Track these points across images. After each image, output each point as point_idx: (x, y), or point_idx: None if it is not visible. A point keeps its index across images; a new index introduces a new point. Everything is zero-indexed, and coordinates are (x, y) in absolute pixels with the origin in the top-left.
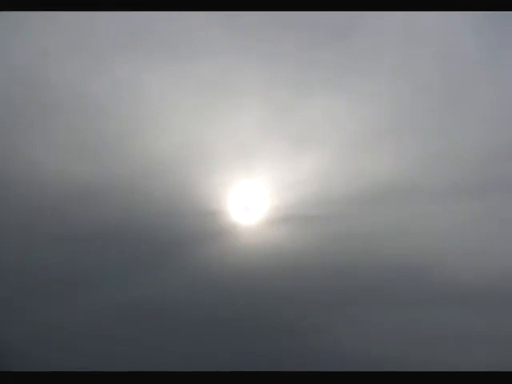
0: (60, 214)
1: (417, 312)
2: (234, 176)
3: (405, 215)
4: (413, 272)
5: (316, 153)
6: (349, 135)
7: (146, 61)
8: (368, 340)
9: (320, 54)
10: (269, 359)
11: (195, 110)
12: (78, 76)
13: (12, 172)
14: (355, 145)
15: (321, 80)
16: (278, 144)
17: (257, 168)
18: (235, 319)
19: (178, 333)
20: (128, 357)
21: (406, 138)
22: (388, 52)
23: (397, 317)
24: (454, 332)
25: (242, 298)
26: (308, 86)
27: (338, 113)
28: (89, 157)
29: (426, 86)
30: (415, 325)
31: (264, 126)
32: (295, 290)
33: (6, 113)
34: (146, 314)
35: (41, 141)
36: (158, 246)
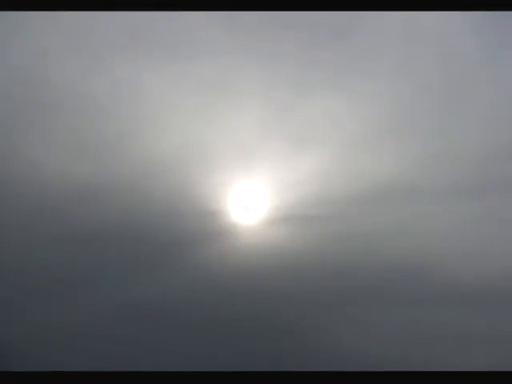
0: (60, 214)
1: (417, 312)
2: (234, 176)
3: (405, 215)
4: (413, 272)
5: (316, 153)
6: (349, 135)
7: (145, 61)
8: (368, 340)
9: (320, 53)
10: (269, 359)
11: (195, 110)
12: (78, 76)
13: (12, 172)
14: (355, 145)
15: (321, 80)
16: (278, 144)
17: (257, 168)
18: (235, 319)
19: (178, 333)
20: (128, 357)
21: (406, 138)
22: (388, 52)
23: (397, 317)
24: (454, 332)
25: (241, 298)
26: (308, 85)
27: (337, 113)
28: (89, 157)
29: (426, 86)
30: (415, 325)
31: (264, 126)
32: (295, 290)
33: (6, 113)
34: (146, 313)
35: (41, 141)
36: (158, 246)
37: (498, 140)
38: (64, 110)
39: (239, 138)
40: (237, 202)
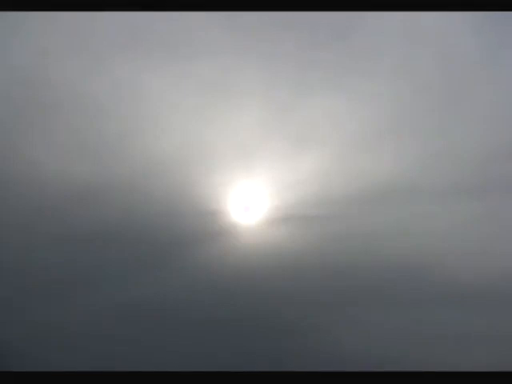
0: (60, 214)
1: (417, 312)
2: (234, 176)
3: (405, 215)
4: (413, 272)
5: (316, 153)
6: (349, 135)
7: (146, 61)
8: (368, 340)
9: (320, 53)
10: (269, 359)
11: (195, 110)
12: (78, 76)
13: (12, 172)
14: (355, 145)
15: (321, 80)
16: (278, 144)
17: (257, 168)
18: (235, 319)
19: (178, 333)
20: (128, 357)
21: (406, 138)
22: (388, 52)
23: (397, 317)
24: (454, 332)
25: (241, 298)
26: (308, 85)
27: (337, 113)
28: (89, 157)
29: (426, 86)
30: (415, 325)
31: (264, 126)
32: (295, 290)
33: (6, 113)
34: (146, 313)
35: (41, 141)
36: (158, 246)
37: (498, 140)
38: (64, 110)
39: (239, 138)
40: (237, 202)
